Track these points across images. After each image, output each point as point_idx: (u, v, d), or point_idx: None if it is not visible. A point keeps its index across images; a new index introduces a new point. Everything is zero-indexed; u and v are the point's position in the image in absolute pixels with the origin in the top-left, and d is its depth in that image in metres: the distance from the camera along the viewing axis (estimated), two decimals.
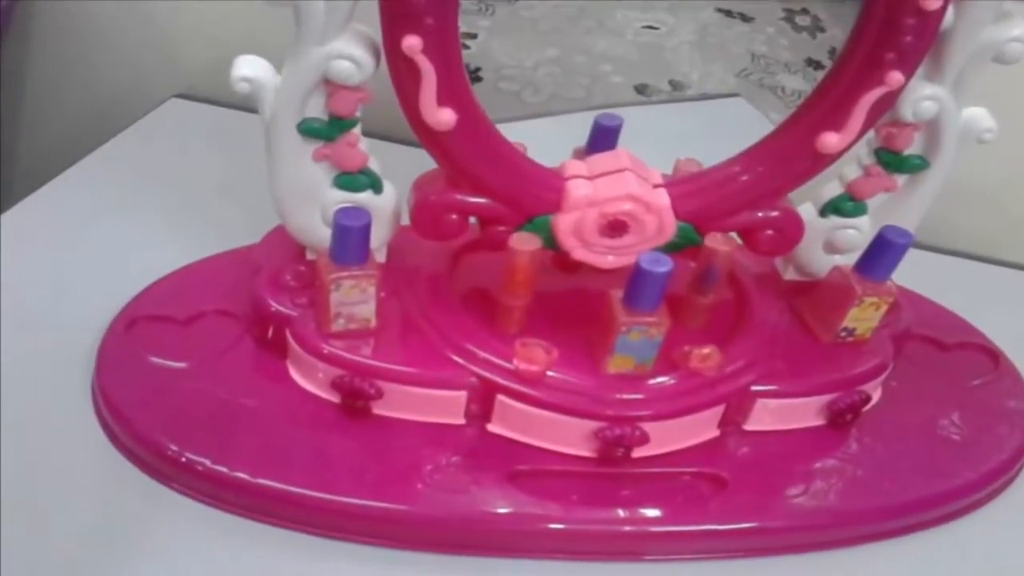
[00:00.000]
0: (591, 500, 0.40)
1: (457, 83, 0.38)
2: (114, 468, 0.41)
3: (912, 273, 0.56)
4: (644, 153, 0.45)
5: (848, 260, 0.48)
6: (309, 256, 0.46)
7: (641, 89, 0.79)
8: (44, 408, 0.43)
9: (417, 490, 0.40)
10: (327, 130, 0.41)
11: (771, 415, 0.44)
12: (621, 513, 0.40)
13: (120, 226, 0.56)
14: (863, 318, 0.45)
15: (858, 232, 0.47)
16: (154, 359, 0.44)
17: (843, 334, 0.46)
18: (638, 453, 0.42)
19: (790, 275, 0.49)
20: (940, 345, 0.52)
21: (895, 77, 0.39)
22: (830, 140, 0.41)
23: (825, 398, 0.45)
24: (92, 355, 0.45)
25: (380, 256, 0.46)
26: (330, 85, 0.39)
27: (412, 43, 0.36)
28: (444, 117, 0.39)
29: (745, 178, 0.43)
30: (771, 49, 0.93)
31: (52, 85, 0.77)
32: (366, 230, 0.40)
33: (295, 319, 0.43)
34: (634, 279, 0.39)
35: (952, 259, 0.66)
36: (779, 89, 1.02)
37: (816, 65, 0.86)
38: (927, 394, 0.49)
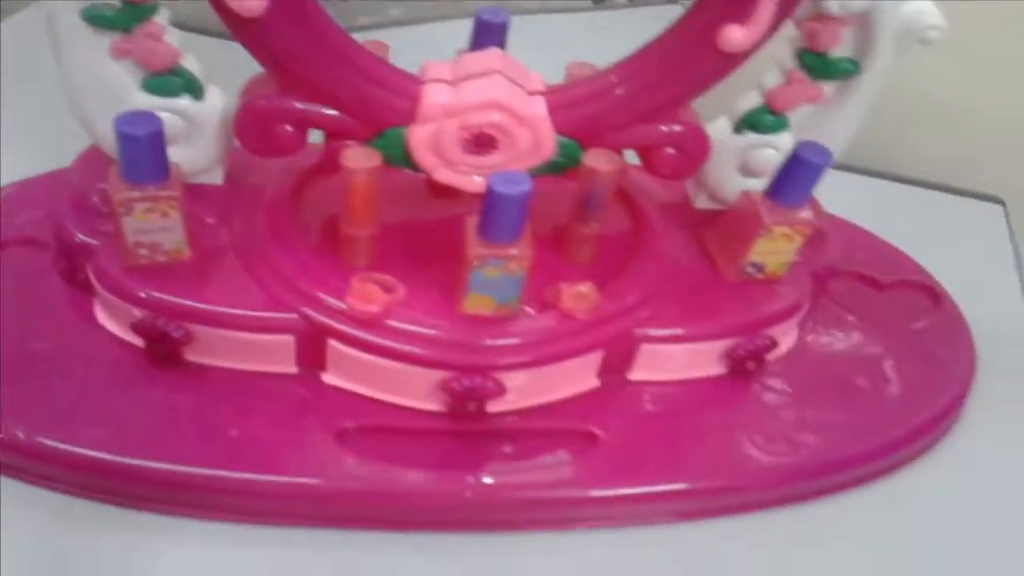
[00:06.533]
0: (433, 463, 0.34)
1: None
2: None
3: (855, 202, 0.49)
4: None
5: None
6: None
7: None
8: None
9: (224, 451, 0.34)
10: (120, 18, 0.33)
11: (660, 363, 0.38)
12: (468, 479, 0.34)
13: None
14: (774, 251, 0.38)
15: (777, 152, 0.40)
16: None
17: (750, 270, 0.39)
18: (497, 407, 0.35)
19: (702, 203, 0.43)
20: (876, 284, 0.46)
21: None
22: (734, 35, 0.34)
23: (723, 343, 0.38)
24: None
25: (215, 177, 0.39)
26: None
27: None
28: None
29: (636, 84, 0.36)
30: None
31: None
32: (156, 139, 0.32)
33: (97, 249, 0.36)
34: (487, 203, 0.32)
35: (904, 187, 0.59)
36: None
37: None
38: (854, 338, 0.43)
